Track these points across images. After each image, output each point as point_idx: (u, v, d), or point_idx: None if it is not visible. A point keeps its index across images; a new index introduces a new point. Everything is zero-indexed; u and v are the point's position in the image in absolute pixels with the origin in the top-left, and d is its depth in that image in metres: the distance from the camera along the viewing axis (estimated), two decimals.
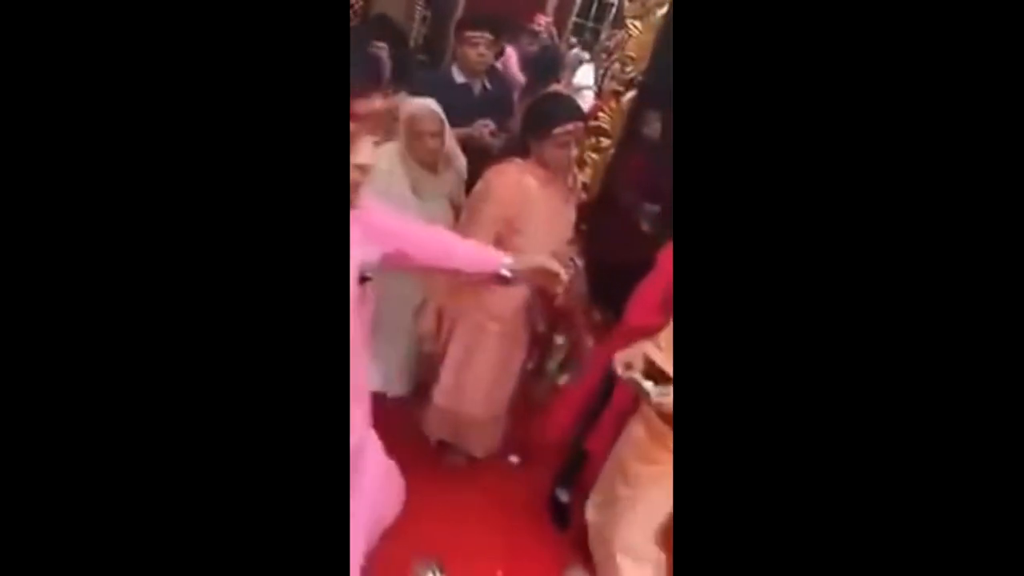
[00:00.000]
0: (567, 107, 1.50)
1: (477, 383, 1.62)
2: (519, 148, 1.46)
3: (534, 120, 1.43)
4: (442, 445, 1.78)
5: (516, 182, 1.41)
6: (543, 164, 1.43)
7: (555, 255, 1.38)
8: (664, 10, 2.19)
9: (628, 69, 2.22)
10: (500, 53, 2.93)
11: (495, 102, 2.21)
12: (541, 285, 1.40)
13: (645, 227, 1.91)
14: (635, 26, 2.30)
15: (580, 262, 1.55)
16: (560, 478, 1.68)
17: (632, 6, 2.20)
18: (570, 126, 1.37)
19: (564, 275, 1.23)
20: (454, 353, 1.59)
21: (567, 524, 1.64)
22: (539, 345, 1.72)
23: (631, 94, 2.07)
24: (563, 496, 1.70)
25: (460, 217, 1.58)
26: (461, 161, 1.77)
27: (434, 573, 1.43)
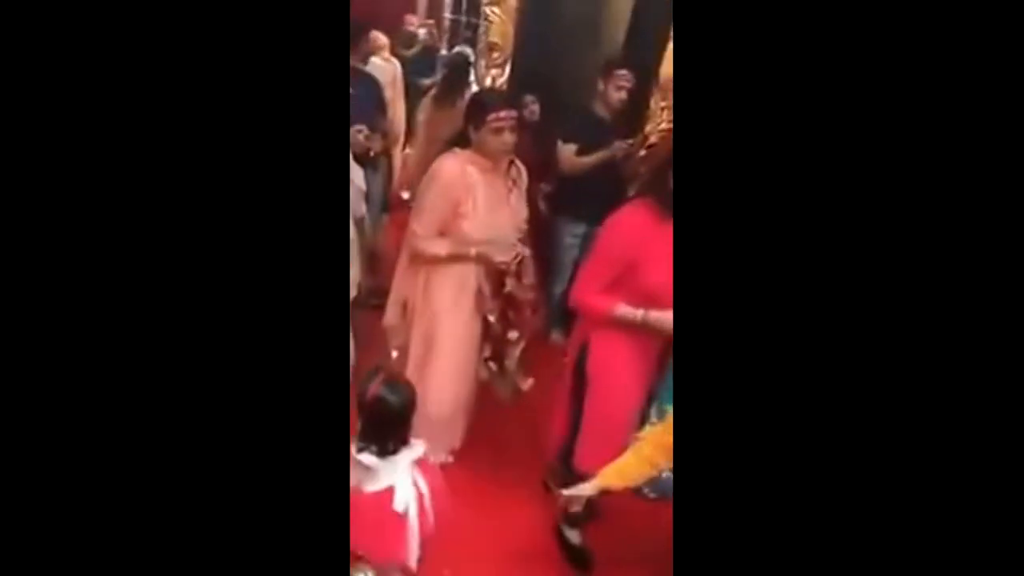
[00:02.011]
0: (498, 97, 1.70)
1: (439, 379, 1.59)
2: (462, 139, 1.52)
3: (472, 111, 1.49)
4: None
5: (460, 169, 1.48)
6: (483, 153, 1.49)
7: (497, 241, 1.48)
8: None
9: (495, 56, 2.19)
10: None
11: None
12: (489, 270, 1.51)
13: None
14: (494, 13, 2.24)
15: (527, 251, 1.53)
16: (567, 518, 1.56)
17: None
18: (502, 113, 1.43)
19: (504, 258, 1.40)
20: (415, 349, 1.63)
21: (587, 568, 1.54)
22: (494, 341, 1.60)
23: (503, 79, 2.08)
24: (574, 538, 1.58)
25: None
26: None
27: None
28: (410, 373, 1.60)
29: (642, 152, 2.57)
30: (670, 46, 2.51)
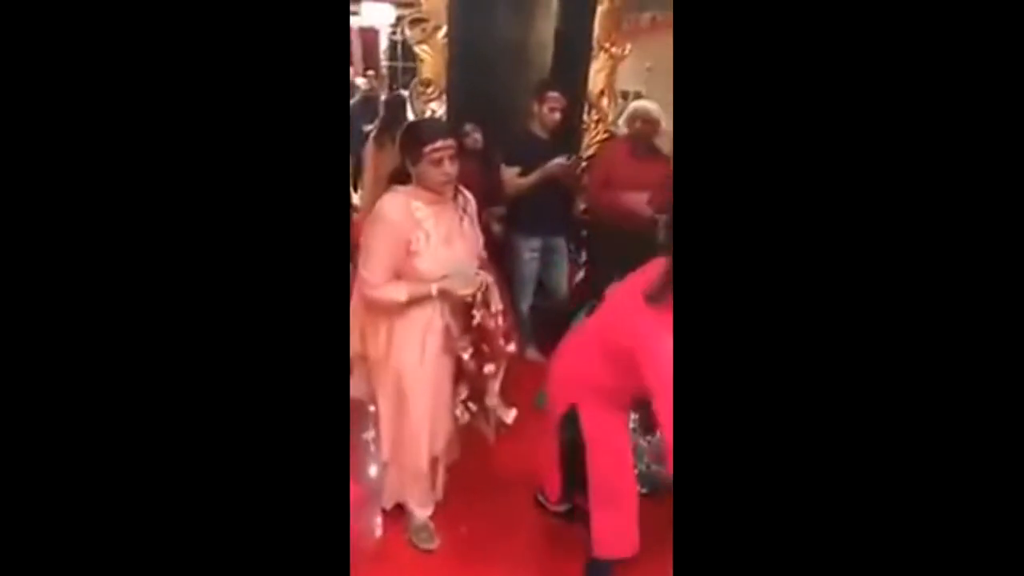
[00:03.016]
0: (435, 127, 1.60)
1: (415, 433, 1.48)
2: (403, 175, 1.43)
3: (408, 144, 1.40)
4: (399, 509, 1.66)
5: (404, 206, 1.37)
6: (426, 186, 1.39)
7: (457, 273, 1.38)
8: (443, 29, 2.21)
9: (431, 91, 2.23)
10: None
11: None
12: (453, 305, 1.40)
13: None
14: (424, 50, 2.28)
15: (489, 277, 1.43)
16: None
17: (414, 33, 2.19)
18: (439, 143, 1.35)
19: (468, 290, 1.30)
20: (385, 407, 1.49)
21: None
22: (470, 380, 1.51)
23: (441, 112, 2.09)
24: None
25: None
26: None
27: None
28: (383, 432, 1.51)
29: (583, 164, 2.65)
30: (595, 64, 2.62)
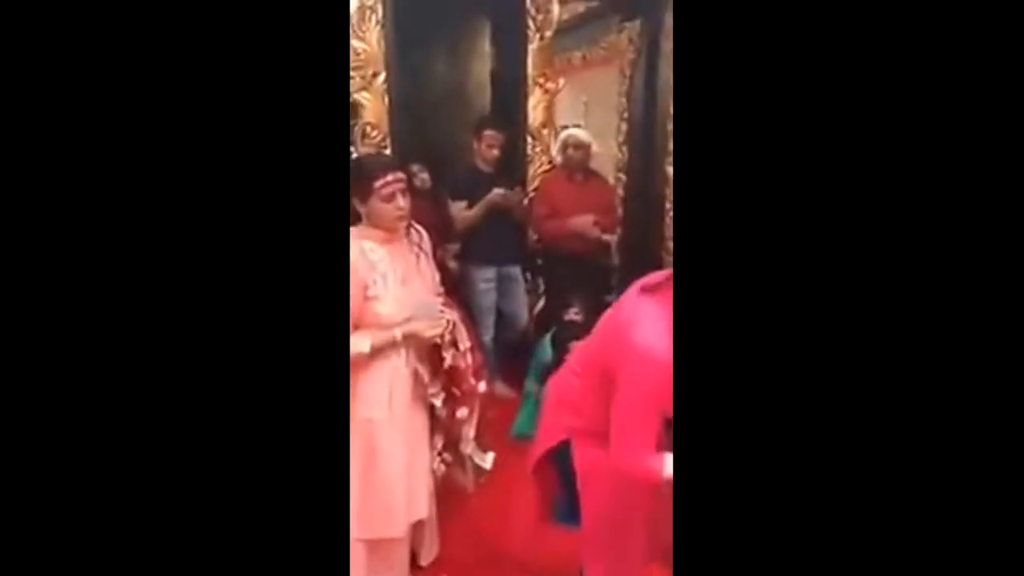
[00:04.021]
0: (382, 161, 1.44)
1: (390, 498, 1.31)
2: (352, 216, 1.32)
3: (356, 181, 1.29)
4: None
5: (356, 249, 1.25)
6: (378, 224, 1.29)
7: (421, 314, 1.28)
8: (383, 76, 2.23)
9: (374, 135, 2.23)
10: None
11: None
12: (420, 348, 1.30)
13: None
14: (364, 97, 2.29)
15: (455, 314, 1.34)
16: None
17: (355, 82, 2.19)
18: (389, 176, 1.26)
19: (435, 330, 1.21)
20: (356, 470, 1.28)
21: None
22: (445, 428, 1.40)
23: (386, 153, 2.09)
24: None
25: None
26: None
27: None
28: (355, 499, 1.29)
29: (531, 193, 2.69)
30: (532, 99, 2.70)
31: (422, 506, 1.42)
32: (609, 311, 1.17)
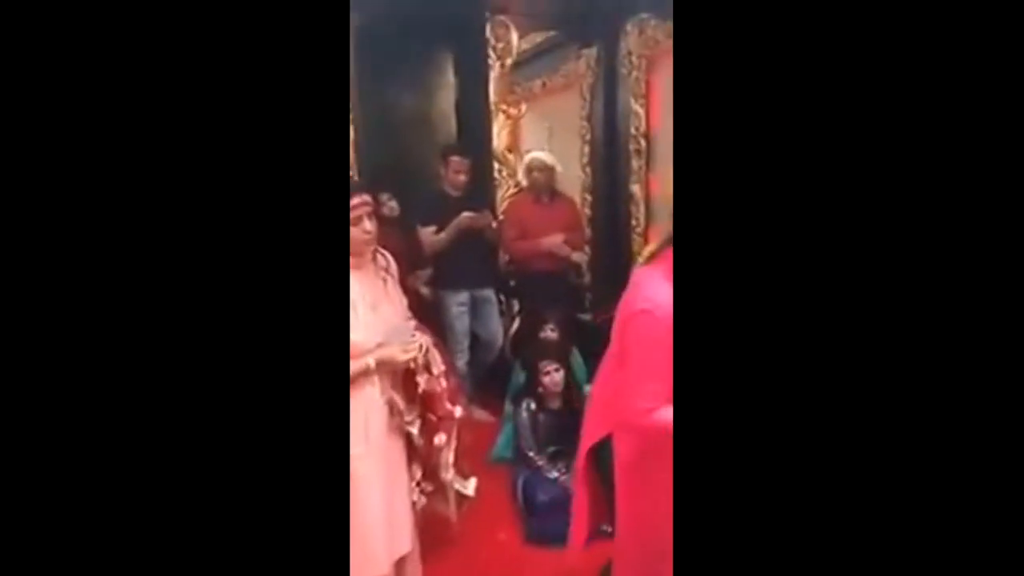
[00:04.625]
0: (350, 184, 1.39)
1: (370, 531, 1.24)
2: None
3: None
4: None
5: None
6: None
7: (393, 339, 1.24)
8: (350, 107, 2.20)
9: None
10: None
11: None
12: (394, 376, 1.25)
13: None
14: None
15: (427, 338, 1.31)
16: None
17: None
18: (355, 201, 1.22)
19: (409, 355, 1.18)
20: None
21: None
22: (423, 458, 1.35)
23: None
24: None
25: None
26: None
27: None
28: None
29: (500, 216, 2.71)
30: (496, 125, 2.75)
31: (405, 541, 1.35)
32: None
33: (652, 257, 1.09)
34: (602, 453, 1.19)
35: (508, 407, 2.33)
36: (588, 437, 1.23)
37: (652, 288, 1.01)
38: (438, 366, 1.35)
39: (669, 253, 1.04)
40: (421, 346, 1.27)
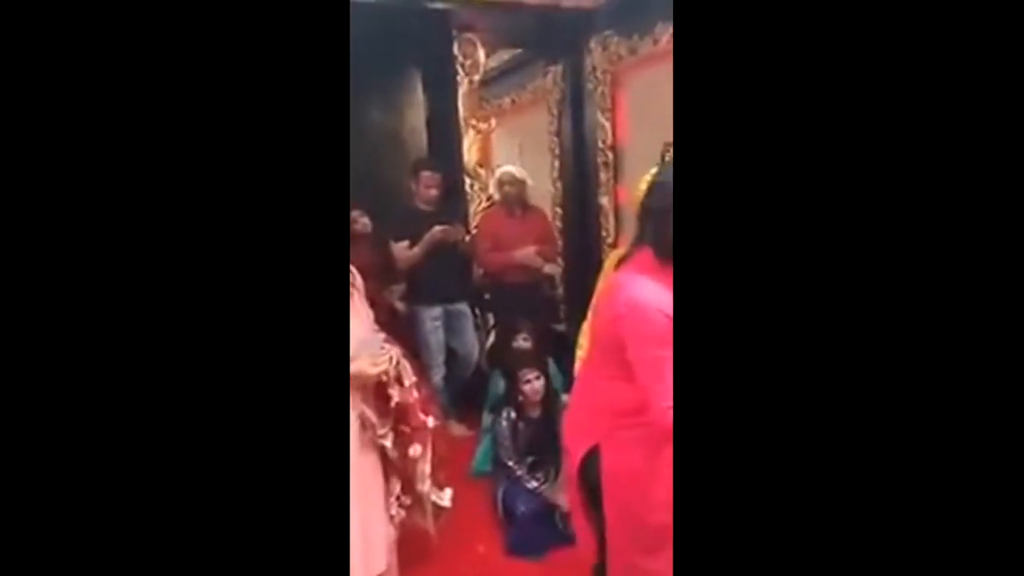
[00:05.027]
0: None
1: (354, 556, 1.18)
2: None
3: None
4: None
5: None
6: None
7: (363, 351, 1.22)
8: None
9: None
10: None
11: None
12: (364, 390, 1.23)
13: None
14: None
15: (396, 349, 1.30)
16: None
17: None
18: None
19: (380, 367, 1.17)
20: None
21: None
22: (399, 471, 1.33)
23: None
24: None
25: None
26: None
27: None
28: None
29: (472, 230, 2.72)
30: (466, 140, 2.78)
31: (380, 560, 1.31)
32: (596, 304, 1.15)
33: (624, 260, 1.10)
34: (589, 465, 1.17)
35: (486, 419, 2.32)
36: (576, 450, 1.19)
37: (635, 288, 1.01)
38: (409, 377, 1.33)
39: (642, 255, 1.05)
40: (391, 358, 1.26)
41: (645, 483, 1.12)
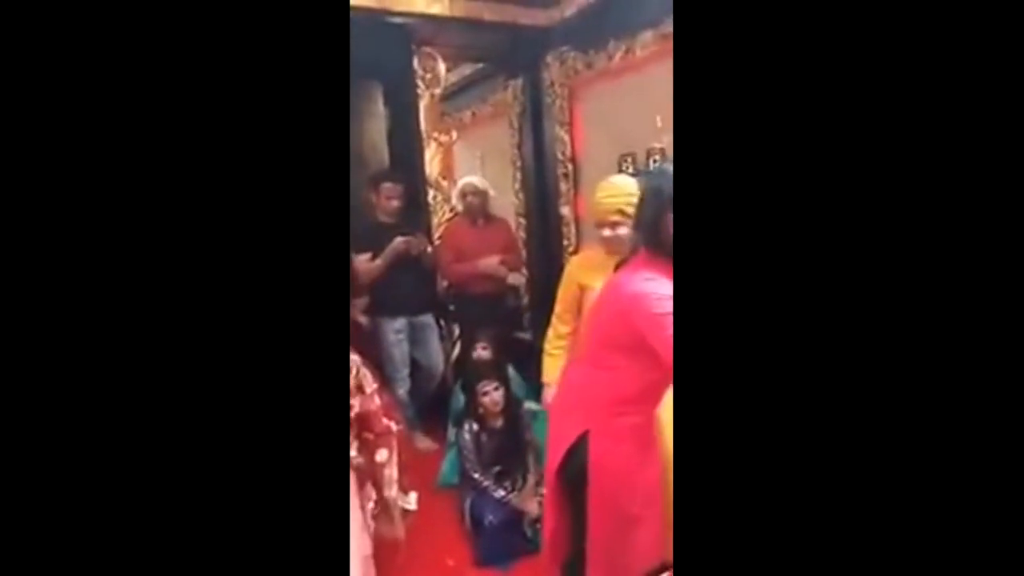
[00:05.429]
0: None
1: None
2: None
3: None
4: None
5: None
6: None
7: None
8: None
9: None
10: None
11: None
12: None
13: None
14: None
15: (355, 357, 1.28)
16: None
17: None
18: None
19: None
20: None
21: None
22: (366, 476, 1.31)
23: None
24: None
25: None
26: None
27: None
28: None
29: (436, 241, 2.72)
30: (428, 152, 2.79)
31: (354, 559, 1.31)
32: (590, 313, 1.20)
33: (622, 264, 1.17)
34: (576, 454, 1.18)
35: (452, 432, 2.30)
36: (560, 442, 1.20)
37: (638, 284, 1.06)
38: (370, 385, 1.33)
39: (638, 258, 1.11)
40: (352, 368, 1.25)
41: (633, 473, 1.15)
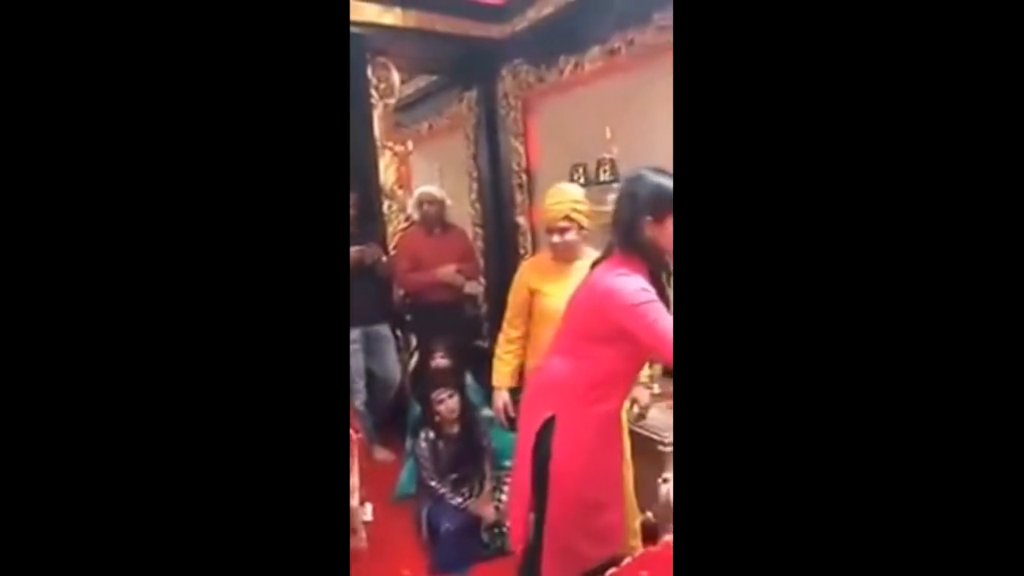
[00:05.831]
0: None
1: None
2: None
3: None
4: None
5: None
6: None
7: None
8: None
9: None
10: None
11: None
12: None
13: None
14: None
15: None
16: None
17: None
18: None
19: None
20: None
21: None
22: None
23: None
24: None
25: None
26: None
27: None
28: None
29: (392, 251, 2.70)
30: (382, 162, 2.78)
31: None
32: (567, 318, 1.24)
33: (597, 262, 1.22)
34: (543, 437, 1.20)
35: (409, 442, 2.27)
36: (532, 425, 1.22)
37: (611, 280, 1.11)
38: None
39: (613, 257, 1.17)
40: None
41: (595, 459, 1.19)
